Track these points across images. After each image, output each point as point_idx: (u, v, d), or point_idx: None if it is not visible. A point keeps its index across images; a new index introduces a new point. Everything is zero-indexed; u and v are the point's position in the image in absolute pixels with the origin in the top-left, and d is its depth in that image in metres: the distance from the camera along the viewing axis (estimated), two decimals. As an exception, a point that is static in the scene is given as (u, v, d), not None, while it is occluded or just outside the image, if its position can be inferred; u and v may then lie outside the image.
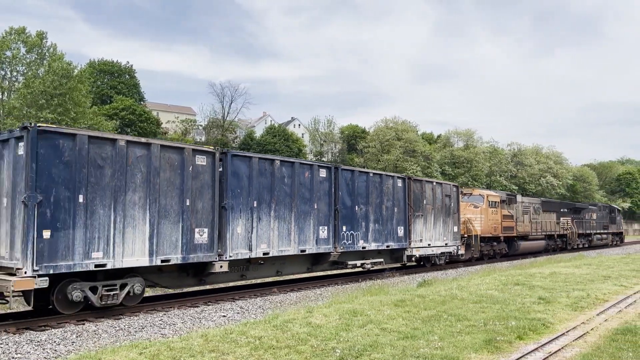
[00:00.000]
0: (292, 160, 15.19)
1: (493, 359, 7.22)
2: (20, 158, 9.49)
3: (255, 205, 13.43)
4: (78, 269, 9.87)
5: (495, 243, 27.00)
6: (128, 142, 10.81)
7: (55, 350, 8.16)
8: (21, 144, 9.50)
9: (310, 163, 15.82)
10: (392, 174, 19.75)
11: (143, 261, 10.88)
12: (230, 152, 13.07)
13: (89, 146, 10.10)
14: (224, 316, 11.13)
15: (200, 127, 68.00)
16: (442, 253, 21.70)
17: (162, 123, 62.29)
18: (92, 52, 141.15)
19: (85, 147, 10.02)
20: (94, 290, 10.37)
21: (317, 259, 16.23)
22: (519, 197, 30.34)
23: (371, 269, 18.10)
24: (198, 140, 64.88)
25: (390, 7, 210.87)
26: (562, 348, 7.90)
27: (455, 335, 8.33)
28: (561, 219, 35.47)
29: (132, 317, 10.73)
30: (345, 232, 16.41)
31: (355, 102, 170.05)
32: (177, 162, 11.65)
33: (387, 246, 18.23)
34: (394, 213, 18.56)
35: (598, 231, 41.27)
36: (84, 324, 9.98)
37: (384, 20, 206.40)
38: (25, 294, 9.69)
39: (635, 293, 13.73)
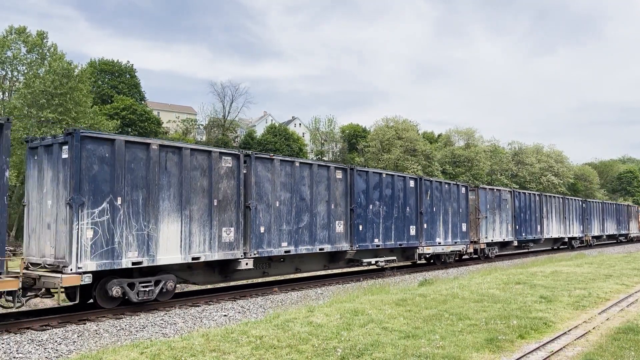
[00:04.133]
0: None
1: (495, 358, 7.20)
2: None
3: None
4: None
5: None
6: None
7: (57, 350, 8.15)
8: None
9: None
10: (624, 203, 46.42)
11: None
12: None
13: None
14: (225, 315, 11.12)
15: (201, 127, 68.04)
16: (635, 235, 47.99)
17: (162, 123, 62.26)
18: (93, 51, 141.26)
19: None
20: None
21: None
22: None
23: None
24: (199, 139, 64.88)
25: (388, 6, 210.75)
26: (564, 347, 7.88)
27: (457, 334, 8.31)
28: None
29: (133, 317, 10.72)
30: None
31: (354, 101, 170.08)
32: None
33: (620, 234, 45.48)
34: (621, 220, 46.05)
35: None
36: (85, 324, 9.97)
37: (382, 19, 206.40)
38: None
39: (637, 292, 13.70)
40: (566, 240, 34.76)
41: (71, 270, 9.93)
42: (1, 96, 41.67)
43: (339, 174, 16.61)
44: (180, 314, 11.14)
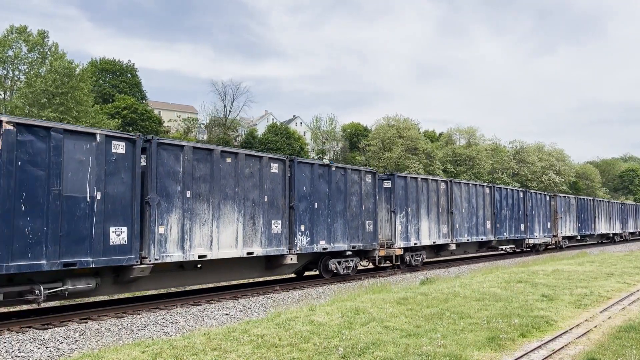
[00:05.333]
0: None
1: (496, 357, 7.19)
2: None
3: None
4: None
5: None
6: None
7: (59, 349, 8.16)
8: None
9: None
10: None
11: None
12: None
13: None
14: (227, 314, 11.12)
15: (202, 126, 68.07)
16: None
17: (164, 122, 62.27)
18: (95, 51, 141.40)
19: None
20: None
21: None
22: None
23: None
24: (200, 139, 64.86)
25: (389, 6, 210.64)
26: (565, 346, 7.87)
27: (458, 333, 8.31)
28: None
29: (134, 316, 10.73)
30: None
31: (355, 101, 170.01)
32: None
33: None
34: None
35: None
36: (86, 322, 9.99)
37: (384, 19, 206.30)
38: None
39: (638, 290, 13.68)
40: (610, 235, 42.34)
41: (396, 246, 18.64)
42: (2, 95, 41.72)
43: (487, 190, 25.19)
44: (182, 312, 11.15)
